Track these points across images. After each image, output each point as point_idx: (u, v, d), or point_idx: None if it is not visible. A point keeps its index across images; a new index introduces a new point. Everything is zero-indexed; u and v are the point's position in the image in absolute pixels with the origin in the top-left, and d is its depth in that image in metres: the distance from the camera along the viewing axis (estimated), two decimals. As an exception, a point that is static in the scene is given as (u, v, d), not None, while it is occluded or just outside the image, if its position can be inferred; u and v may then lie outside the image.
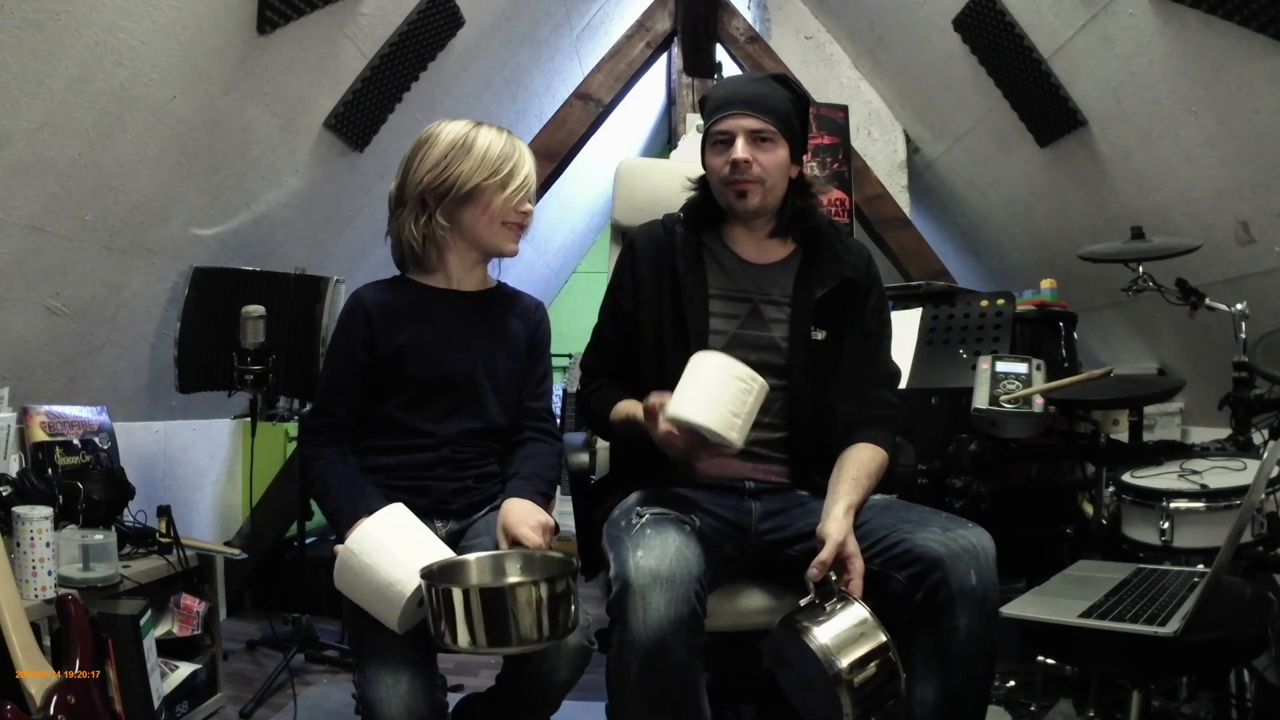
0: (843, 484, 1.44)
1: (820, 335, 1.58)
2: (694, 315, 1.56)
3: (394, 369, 1.51)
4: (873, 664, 1.21)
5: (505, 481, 1.53)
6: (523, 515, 1.40)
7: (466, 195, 1.50)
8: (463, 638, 1.13)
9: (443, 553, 1.30)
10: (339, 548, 1.33)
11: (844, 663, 1.19)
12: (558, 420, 3.06)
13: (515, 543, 1.36)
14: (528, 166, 1.53)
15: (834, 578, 1.31)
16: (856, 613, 1.25)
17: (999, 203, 3.54)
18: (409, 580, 1.25)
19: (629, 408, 1.52)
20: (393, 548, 1.29)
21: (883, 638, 1.23)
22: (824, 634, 1.22)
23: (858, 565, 1.33)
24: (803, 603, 1.29)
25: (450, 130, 1.52)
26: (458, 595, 1.13)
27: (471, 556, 1.31)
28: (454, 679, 2.34)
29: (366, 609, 1.30)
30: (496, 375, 1.56)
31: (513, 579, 1.27)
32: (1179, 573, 1.55)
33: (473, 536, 1.49)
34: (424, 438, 1.51)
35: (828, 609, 1.26)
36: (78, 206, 2.05)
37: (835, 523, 1.35)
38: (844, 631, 1.23)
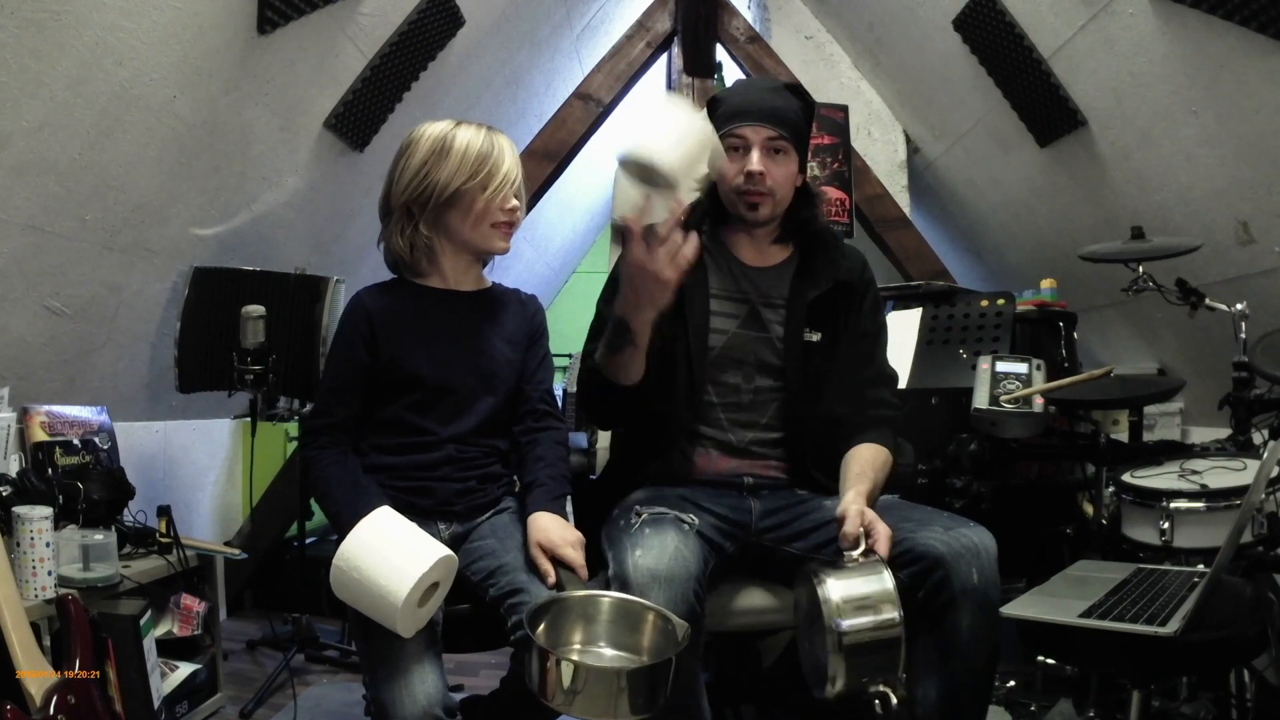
0: (851, 478, 1.44)
1: (814, 337, 1.59)
2: (695, 314, 1.56)
3: (397, 371, 1.50)
4: (875, 629, 1.19)
5: (524, 490, 1.52)
6: (563, 534, 1.39)
7: (448, 200, 1.49)
8: (560, 704, 1.09)
9: (436, 551, 1.29)
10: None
11: (846, 624, 1.18)
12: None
13: (559, 561, 1.35)
14: (508, 162, 1.51)
15: (865, 540, 1.29)
16: (881, 580, 1.23)
17: (999, 203, 3.54)
18: (402, 587, 1.23)
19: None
20: (386, 553, 1.28)
21: (894, 614, 1.20)
22: (837, 587, 1.21)
23: (882, 529, 1.31)
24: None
25: (429, 134, 1.51)
26: (568, 668, 1.09)
27: (577, 594, 1.26)
28: (454, 679, 2.33)
29: (371, 617, 1.29)
30: (499, 374, 1.56)
31: (638, 659, 1.20)
32: (1179, 573, 1.54)
33: (476, 539, 1.48)
34: (427, 437, 1.50)
35: (855, 559, 1.25)
36: (78, 206, 2.05)
37: (853, 500, 1.34)
38: (859, 591, 1.21)
